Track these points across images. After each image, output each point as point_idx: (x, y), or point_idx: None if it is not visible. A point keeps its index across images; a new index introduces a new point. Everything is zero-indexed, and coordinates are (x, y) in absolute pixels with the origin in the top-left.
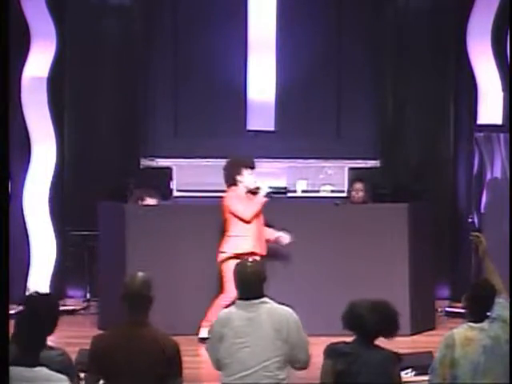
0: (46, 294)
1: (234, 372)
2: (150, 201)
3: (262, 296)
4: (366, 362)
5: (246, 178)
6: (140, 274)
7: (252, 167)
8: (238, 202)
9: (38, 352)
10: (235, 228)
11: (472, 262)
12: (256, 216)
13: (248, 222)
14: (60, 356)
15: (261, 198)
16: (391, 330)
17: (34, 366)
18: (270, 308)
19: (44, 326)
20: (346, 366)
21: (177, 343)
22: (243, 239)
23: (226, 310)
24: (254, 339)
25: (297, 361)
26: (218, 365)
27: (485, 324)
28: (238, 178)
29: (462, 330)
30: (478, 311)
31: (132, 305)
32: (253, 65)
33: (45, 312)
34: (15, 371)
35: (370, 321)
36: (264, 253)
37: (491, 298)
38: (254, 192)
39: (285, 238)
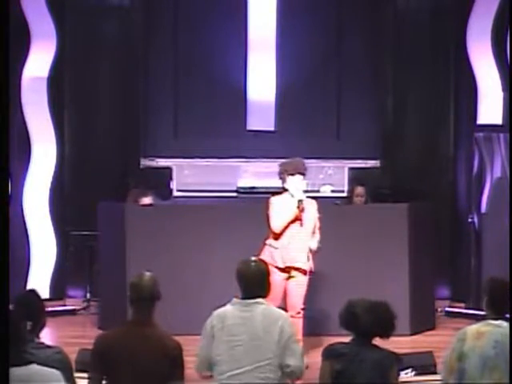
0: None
1: (226, 370)
2: (145, 200)
3: (260, 296)
4: (363, 362)
5: (290, 186)
6: (148, 274)
7: (293, 173)
8: (276, 210)
9: (24, 349)
10: (271, 238)
11: (472, 261)
12: (285, 228)
13: (275, 234)
14: (57, 354)
15: (293, 209)
16: (387, 331)
17: (24, 364)
18: (264, 309)
19: (21, 323)
20: (343, 366)
21: (180, 344)
22: (276, 251)
23: (222, 309)
24: (247, 339)
25: (286, 365)
26: (207, 363)
27: (503, 322)
28: (284, 184)
29: (476, 326)
30: (495, 309)
31: (138, 305)
32: (253, 65)
33: (20, 309)
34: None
35: (366, 321)
36: (305, 267)
37: (509, 297)
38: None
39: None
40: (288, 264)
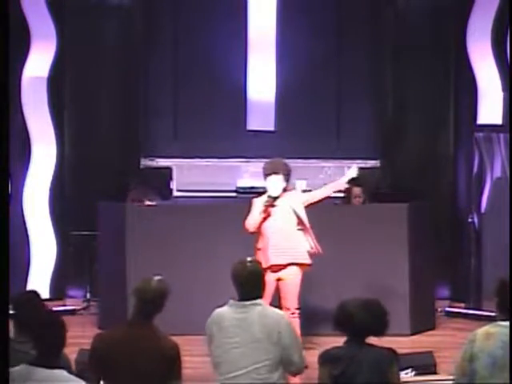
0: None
1: (225, 371)
2: (147, 201)
3: (257, 298)
4: (360, 363)
5: (267, 185)
6: (157, 280)
7: (269, 173)
8: (255, 209)
9: (59, 354)
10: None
11: (472, 261)
12: (258, 227)
13: (251, 232)
14: None
15: (260, 208)
16: (382, 328)
17: (55, 368)
18: (261, 310)
19: (65, 326)
20: (341, 369)
21: (177, 344)
22: (259, 253)
23: (219, 310)
24: (245, 340)
25: (290, 364)
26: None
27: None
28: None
29: (486, 327)
30: (504, 310)
31: (141, 308)
32: (253, 65)
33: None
34: (35, 371)
35: (360, 319)
36: (295, 261)
37: (510, 297)
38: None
39: (350, 173)
40: (280, 262)
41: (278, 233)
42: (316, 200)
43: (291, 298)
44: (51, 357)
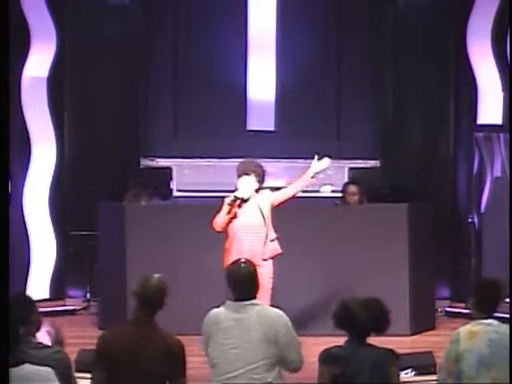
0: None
1: (221, 372)
2: (143, 202)
3: (253, 298)
4: (361, 362)
5: (238, 186)
6: (157, 276)
7: (240, 175)
8: (223, 208)
9: (16, 350)
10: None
11: (472, 261)
12: (224, 227)
13: (216, 232)
14: (56, 354)
15: (225, 209)
16: (383, 326)
17: (18, 365)
18: (259, 310)
19: (14, 324)
20: (342, 369)
21: (181, 343)
22: (225, 253)
23: (216, 310)
24: (242, 341)
25: (289, 362)
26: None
27: (494, 321)
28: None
29: (468, 326)
30: (483, 309)
31: (143, 306)
32: (253, 65)
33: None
34: None
35: (361, 317)
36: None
37: (497, 296)
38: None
39: (321, 164)
40: None
41: (243, 234)
42: (286, 198)
43: (261, 298)
44: (12, 354)
